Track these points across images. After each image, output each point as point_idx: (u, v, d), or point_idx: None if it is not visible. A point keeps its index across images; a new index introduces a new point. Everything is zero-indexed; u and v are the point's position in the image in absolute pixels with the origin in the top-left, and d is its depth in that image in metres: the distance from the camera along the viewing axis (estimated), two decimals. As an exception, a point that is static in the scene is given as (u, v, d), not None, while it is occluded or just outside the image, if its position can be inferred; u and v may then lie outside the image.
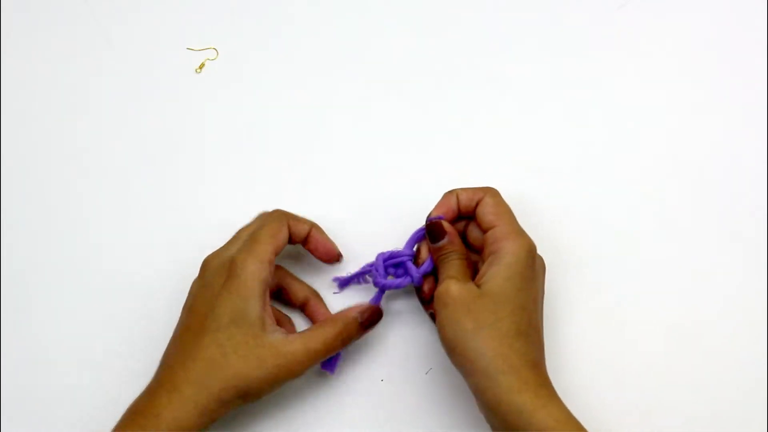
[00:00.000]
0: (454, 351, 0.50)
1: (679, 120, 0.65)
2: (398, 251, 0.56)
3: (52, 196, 0.64)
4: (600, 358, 0.58)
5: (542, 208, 0.62)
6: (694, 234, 0.61)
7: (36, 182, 0.64)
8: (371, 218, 0.59)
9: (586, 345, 0.58)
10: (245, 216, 0.61)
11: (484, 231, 0.53)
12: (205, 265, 0.54)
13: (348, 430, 0.57)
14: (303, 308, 0.57)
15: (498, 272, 0.50)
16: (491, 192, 0.54)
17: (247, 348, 0.50)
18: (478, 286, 0.51)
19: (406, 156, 0.64)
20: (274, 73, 0.67)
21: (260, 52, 0.68)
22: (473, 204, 0.54)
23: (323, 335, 0.52)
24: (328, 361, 0.55)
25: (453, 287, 0.50)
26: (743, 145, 0.64)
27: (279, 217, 0.54)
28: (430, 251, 0.55)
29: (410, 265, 0.55)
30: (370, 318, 0.54)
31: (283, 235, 0.53)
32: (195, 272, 0.60)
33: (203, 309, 0.51)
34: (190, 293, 0.54)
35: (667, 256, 0.61)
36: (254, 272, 0.51)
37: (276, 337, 0.50)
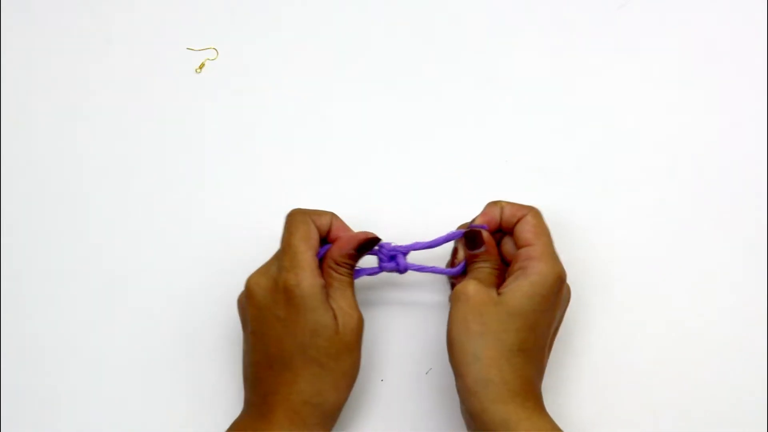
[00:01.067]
0: (453, 348, 0.51)
1: (679, 120, 0.65)
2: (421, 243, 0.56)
3: (51, 196, 0.64)
4: (599, 357, 0.58)
5: (541, 208, 0.62)
6: (695, 234, 0.61)
7: (35, 182, 0.64)
8: (372, 217, 0.59)
9: (586, 344, 0.58)
10: (245, 216, 0.62)
11: (519, 248, 0.54)
12: (253, 287, 0.53)
13: (348, 430, 0.57)
14: (328, 233, 0.56)
15: (520, 287, 0.51)
16: (534, 212, 0.54)
17: (336, 348, 0.51)
18: (498, 294, 0.51)
19: (407, 155, 0.64)
20: (274, 72, 0.67)
21: (260, 52, 0.68)
22: (514, 220, 0.54)
23: (346, 283, 0.53)
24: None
25: (471, 286, 0.51)
26: (743, 145, 0.64)
27: (302, 217, 0.53)
28: (466, 256, 0.55)
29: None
30: (365, 247, 0.54)
31: (314, 233, 0.53)
32: (195, 271, 0.61)
33: (276, 334, 0.51)
34: (249, 319, 0.53)
35: (668, 256, 0.61)
36: (311, 285, 0.51)
37: (343, 319, 0.51)
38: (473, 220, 0.55)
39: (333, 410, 0.52)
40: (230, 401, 0.57)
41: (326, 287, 0.52)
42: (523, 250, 0.53)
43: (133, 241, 0.62)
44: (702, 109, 0.65)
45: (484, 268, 0.53)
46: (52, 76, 0.67)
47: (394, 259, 0.55)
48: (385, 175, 0.64)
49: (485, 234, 0.54)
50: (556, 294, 0.51)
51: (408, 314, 0.58)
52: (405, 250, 0.55)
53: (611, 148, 0.64)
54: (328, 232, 0.55)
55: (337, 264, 0.53)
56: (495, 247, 0.54)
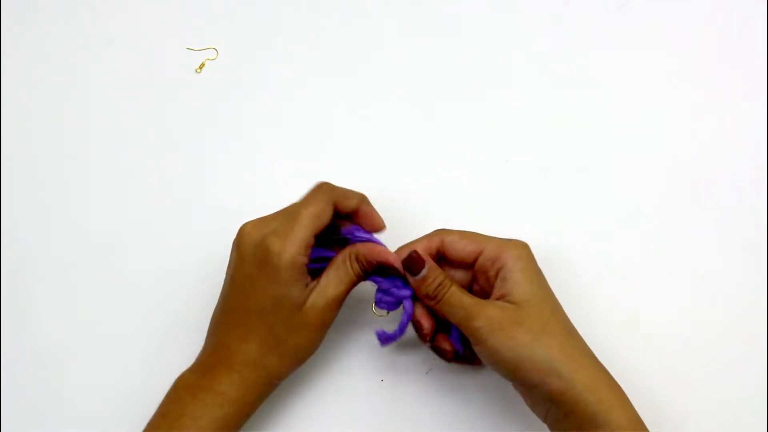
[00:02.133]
0: (518, 368, 0.49)
1: (679, 120, 0.65)
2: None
3: (50, 195, 0.64)
4: (598, 357, 0.58)
5: (541, 208, 0.62)
6: (695, 234, 0.61)
7: (35, 182, 0.64)
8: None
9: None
10: (245, 215, 0.61)
11: (468, 264, 0.53)
12: (243, 236, 0.52)
13: (348, 430, 0.57)
14: (354, 215, 0.55)
15: (519, 281, 0.50)
16: (443, 231, 0.53)
17: (294, 322, 0.51)
18: (502, 299, 0.51)
19: (407, 155, 0.64)
20: (274, 72, 0.67)
21: (260, 52, 0.68)
22: (432, 252, 0.53)
23: (348, 277, 0.52)
24: (387, 338, 0.54)
25: (491, 311, 0.50)
26: (743, 145, 0.64)
27: (323, 194, 0.53)
28: (415, 287, 0.53)
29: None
30: (408, 266, 0.52)
31: (327, 215, 0.52)
32: (194, 271, 0.61)
33: (245, 289, 0.52)
34: (232, 263, 0.53)
35: (667, 257, 0.61)
36: (290, 260, 0.50)
37: (312, 298, 0.51)
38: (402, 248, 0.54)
39: (272, 378, 0.52)
40: None
41: (328, 265, 0.52)
42: (480, 259, 0.52)
43: (133, 240, 0.62)
44: (702, 109, 0.65)
45: (454, 289, 0.51)
46: (52, 75, 0.67)
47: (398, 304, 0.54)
48: (385, 175, 0.64)
49: (422, 254, 0.52)
50: (536, 262, 0.52)
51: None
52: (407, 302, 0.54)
53: (611, 148, 0.64)
54: (356, 213, 0.54)
55: (357, 260, 0.53)
56: (432, 260, 0.53)
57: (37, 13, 0.69)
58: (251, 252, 0.51)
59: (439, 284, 0.52)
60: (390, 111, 0.66)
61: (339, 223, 0.54)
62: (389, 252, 0.53)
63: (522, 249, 0.52)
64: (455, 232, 0.53)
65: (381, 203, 0.60)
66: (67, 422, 0.58)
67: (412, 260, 0.52)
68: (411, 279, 0.52)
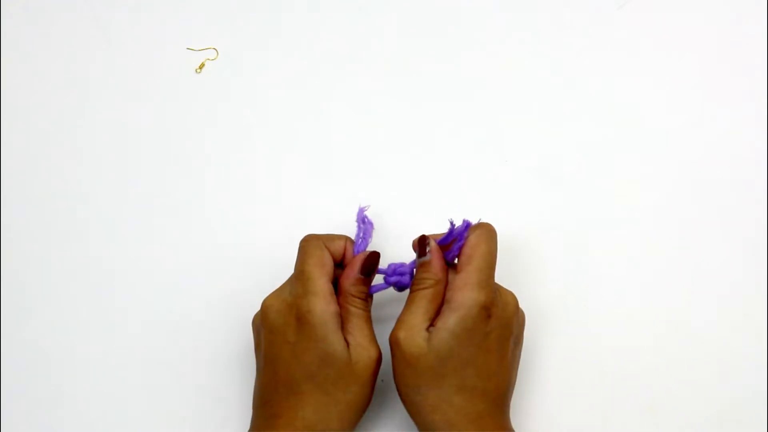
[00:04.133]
0: (404, 402, 0.52)
1: (679, 120, 0.65)
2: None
3: (51, 196, 0.64)
4: (597, 358, 0.58)
5: (540, 208, 0.62)
6: (694, 233, 0.61)
7: (35, 182, 0.64)
8: (373, 217, 0.59)
9: (585, 344, 0.58)
10: (245, 215, 0.61)
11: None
12: (268, 310, 0.52)
13: (348, 430, 0.57)
14: (343, 258, 0.55)
15: (446, 326, 0.50)
16: (479, 230, 0.52)
17: (346, 379, 0.51)
18: (430, 331, 0.50)
19: (407, 156, 0.64)
20: (274, 72, 0.67)
21: (260, 52, 0.68)
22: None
23: (361, 316, 0.52)
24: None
25: (401, 339, 0.50)
26: (743, 145, 0.64)
27: (316, 243, 0.53)
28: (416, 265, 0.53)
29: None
30: (366, 265, 0.53)
31: (329, 259, 0.53)
32: (194, 270, 0.61)
33: (287, 359, 0.51)
34: (262, 341, 0.53)
35: (668, 256, 0.61)
36: (323, 312, 0.50)
37: (357, 352, 0.51)
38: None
39: None
40: (239, 421, 0.57)
41: (342, 319, 0.52)
42: (454, 278, 0.51)
43: (132, 240, 0.62)
44: (702, 109, 0.65)
45: (426, 281, 0.51)
46: (52, 75, 0.67)
47: (400, 275, 0.54)
48: (385, 175, 0.64)
49: (432, 243, 0.52)
50: (484, 323, 0.50)
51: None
52: (410, 270, 0.54)
53: (611, 148, 0.64)
54: (343, 257, 0.54)
55: (351, 295, 0.52)
56: (440, 258, 0.52)
57: (37, 13, 0.69)
58: (281, 321, 0.51)
59: (423, 278, 0.52)
60: (390, 111, 0.66)
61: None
62: (357, 257, 0.53)
63: (474, 304, 0.50)
64: (472, 240, 0.52)
65: (380, 203, 0.60)
66: (64, 426, 0.58)
67: (420, 243, 0.53)
68: (417, 260, 0.53)
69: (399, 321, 0.51)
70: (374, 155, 0.64)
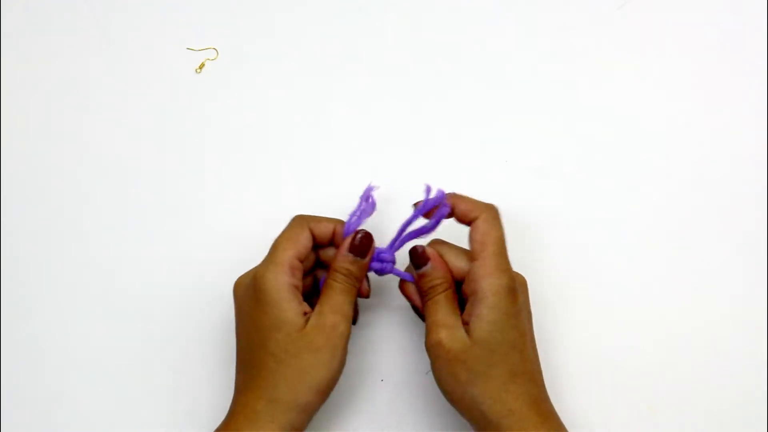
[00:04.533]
0: (453, 401, 0.51)
1: (678, 120, 0.65)
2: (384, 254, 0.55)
3: (51, 196, 0.64)
4: (597, 358, 0.58)
5: (540, 208, 0.62)
6: (694, 233, 0.61)
7: (35, 182, 0.64)
8: (372, 217, 0.59)
9: (585, 345, 0.58)
10: (245, 215, 0.61)
11: (470, 257, 0.52)
12: (235, 288, 0.53)
13: (348, 430, 0.57)
14: (334, 241, 0.55)
15: (482, 316, 0.49)
16: (486, 214, 0.52)
17: (296, 345, 0.50)
18: (466, 326, 0.50)
19: (408, 155, 0.64)
20: (274, 72, 0.67)
21: (260, 52, 0.68)
22: (468, 219, 0.53)
23: (337, 289, 0.52)
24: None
25: (444, 339, 0.50)
26: (743, 145, 0.64)
27: (298, 221, 0.54)
28: (416, 278, 0.53)
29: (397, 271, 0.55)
30: (360, 244, 0.53)
31: (304, 238, 0.53)
32: (193, 270, 0.61)
33: (247, 328, 0.52)
34: (235, 311, 0.54)
35: (668, 255, 0.61)
36: (276, 280, 0.50)
37: (313, 320, 0.50)
38: (420, 202, 0.54)
39: (289, 410, 0.50)
40: (227, 403, 0.57)
41: (321, 293, 0.52)
42: (471, 269, 0.51)
43: (132, 240, 0.62)
44: (702, 109, 0.65)
45: (439, 297, 0.52)
46: (52, 75, 0.67)
47: (381, 261, 0.54)
48: (385, 175, 0.63)
49: (428, 250, 0.53)
50: (514, 303, 0.50)
51: (408, 315, 0.58)
52: (392, 257, 0.54)
53: (611, 148, 0.64)
54: (333, 239, 0.54)
55: (335, 270, 0.52)
56: (440, 261, 0.53)
57: (37, 13, 0.69)
58: (245, 292, 0.52)
59: (432, 287, 0.52)
60: (390, 111, 0.66)
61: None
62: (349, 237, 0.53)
63: (499, 286, 0.50)
64: (481, 226, 0.52)
65: (380, 203, 0.60)
66: (64, 426, 0.58)
67: (415, 254, 0.53)
68: (414, 272, 0.53)
69: (431, 326, 0.51)
70: (374, 155, 0.64)
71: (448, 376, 0.50)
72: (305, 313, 0.51)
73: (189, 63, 0.67)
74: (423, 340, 0.58)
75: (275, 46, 0.68)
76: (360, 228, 0.54)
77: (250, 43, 0.68)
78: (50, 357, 0.59)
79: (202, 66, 0.67)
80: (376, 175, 0.63)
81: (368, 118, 0.65)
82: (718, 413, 0.56)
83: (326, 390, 0.51)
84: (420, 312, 0.54)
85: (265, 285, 0.50)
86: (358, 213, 0.54)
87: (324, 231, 0.54)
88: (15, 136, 0.65)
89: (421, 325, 0.58)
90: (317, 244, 0.54)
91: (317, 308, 0.51)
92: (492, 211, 0.53)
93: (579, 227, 0.62)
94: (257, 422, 0.49)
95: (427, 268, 0.52)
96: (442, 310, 0.51)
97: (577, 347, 0.58)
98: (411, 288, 0.54)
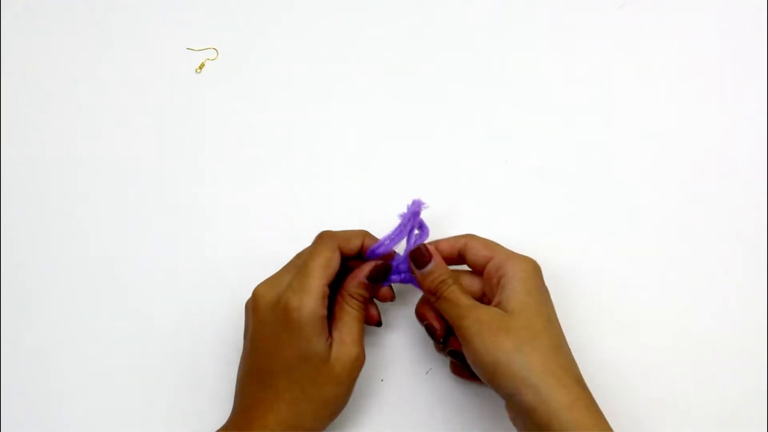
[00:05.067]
0: (496, 373, 0.49)
1: (678, 120, 0.65)
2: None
3: (51, 196, 0.64)
4: (597, 358, 0.58)
5: (540, 208, 0.62)
6: (694, 233, 0.61)
7: (35, 182, 0.64)
8: (372, 217, 0.59)
9: (585, 345, 0.58)
10: (245, 215, 0.61)
11: (481, 270, 0.53)
12: (258, 299, 0.53)
13: (348, 430, 0.57)
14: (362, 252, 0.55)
15: (516, 290, 0.51)
16: (472, 236, 0.55)
17: (322, 378, 0.51)
18: (498, 305, 0.51)
19: (407, 156, 0.64)
20: (274, 72, 0.67)
21: (260, 52, 0.68)
22: (455, 252, 0.54)
23: (353, 317, 0.53)
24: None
25: (483, 314, 0.50)
26: (743, 145, 0.64)
27: (329, 242, 0.53)
28: (419, 281, 0.53)
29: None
30: (376, 272, 0.53)
31: (335, 262, 0.53)
32: (193, 270, 0.61)
33: (268, 350, 0.52)
34: (250, 327, 0.53)
35: (668, 256, 0.61)
36: (311, 313, 0.50)
37: (335, 351, 0.51)
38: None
39: None
40: (228, 406, 0.57)
41: (334, 318, 0.53)
42: (489, 265, 0.53)
43: (133, 240, 0.62)
44: (702, 109, 0.65)
45: (453, 288, 0.52)
46: (52, 75, 0.67)
47: (400, 273, 0.55)
48: (385, 175, 0.64)
49: (429, 246, 0.53)
50: (543, 282, 0.52)
51: (408, 314, 0.58)
52: (407, 265, 0.54)
53: (611, 147, 0.64)
54: (363, 250, 0.54)
55: (350, 296, 0.53)
56: (442, 260, 0.53)
57: (37, 13, 0.69)
58: (269, 312, 0.52)
59: (441, 281, 0.52)
60: (389, 111, 0.66)
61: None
62: (366, 264, 0.54)
63: (527, 263, 0.52)
64: (480, 239, 0.54)
65: (380, 203, 0.60)
66: (64, 425, 0.58)
67: (419, 253, 0.53)
68: (417, 273, 0.53)
69: (463, 310, 0.51)
70: (374, 155, 0.64)
71: (492, 347, 0.49)
72: (327, 339, 0.51)
73: (189, 63, 0.67)
74: (423, 340, 0.58)
75: (275, 46, 0.68)
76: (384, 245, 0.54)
77: (250, 43, 0.68)
78: (50, 357, 0.59)
79: (202, 66, 0.67)
80: (376, 175, 0.64)
81: (368, 118, 0.65)
82: (718, 413, 0.56)
83: (337, 416, 0.53)
84: (435, 334, 0.54)
85: (300, 317, 0.50)
86: (393, 236, 0.54)
87: (353, 248, 0.54)
88: (15, 135, 0.65)
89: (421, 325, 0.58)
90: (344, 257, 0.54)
91: (337, 336, 0.52)
92: (475, 235, 0.55)
93: (578, 227, 0.61)
94: None
95: (431, 266, 0.53)
96: (462, 295, 0.52)
97: (576, 347, 0.58)
98: (430, 313, 0.54)
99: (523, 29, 0.68)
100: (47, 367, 0.59)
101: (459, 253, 0.54)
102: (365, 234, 0.55)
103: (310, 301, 0.50)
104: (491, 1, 0.69)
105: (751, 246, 0.61)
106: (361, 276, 0.53)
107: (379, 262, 0.54)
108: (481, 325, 0.50)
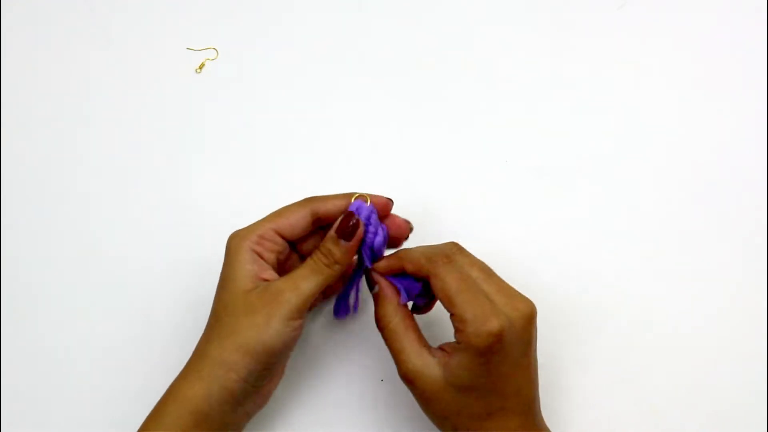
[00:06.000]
0: (438, 427, 0.50)
1: (678, 120, 0.65)
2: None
3: (51, 195, 0.64)
4: (597, 358, 0.58)
5: (540, 208, 0.62)
6: (694, 233, 0.61)
7: (35, 182, 0.64)
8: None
9: (586, 346, 0.58)
10: (244, 215, 0.61)
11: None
12: (228, 240, 0.53)
13: (348, 430, 0.57)
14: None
15: (459, 361, 0.47)
16: (436, 268, 0.49)
17: (235, 304, 0.49)
18: (443, 361, 0.48)
19: (407, 156, 0.64)
20: (274, 72, 0.67)
21: (260, 52, 0.68)
22: (423, 275, 0.50)
23: (309, 266, 0.50)
24: (340, 308, 0.55)
25: (416, 377, 0.48)
26: (743, 145, 0.64)
27: (302, 201, 0.53)
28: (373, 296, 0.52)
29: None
30: (342, 225, 0.50)
31: (295, 217, 0.52)
32: (193, 270, 0.61)
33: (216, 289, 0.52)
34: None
35: (668, 256, 0.61)
36: (237, 242, 0.51)
37: (264, 287, 0.50)
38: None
39: (214, 365, 0.48)
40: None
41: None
42: (451, 318, 0.48)
43: (132, 240, 0.62)
44: (702, 109, 0.65)
45: (397, 324, 0.50)
46: (52, 75, 0.67)
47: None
48: (385, 175, 0.64)
49: (374, 275, 0.52)
50: (497, 353, 0.47)
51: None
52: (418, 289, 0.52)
53: (611, 147, 0.64)
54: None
55: (317, 250, 0.51)
56: (390, 287, 0.51)
57: (37, 13, 0.69)
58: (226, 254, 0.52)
59: (386, 316, 0.50)
60: (389, 110, 0.66)
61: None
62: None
63: (483, 337, 0.46)
64: (444, 279, 0.48)
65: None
66: (64, 423, 0.58)
67: (367, 278, 0.52)
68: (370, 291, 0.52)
69: (398, 355, 0.49)
70: (374, 155, 0.64)
71: (423, 407, 0.50)
72: (264, 280, 0.50)
73: (189, 63, 0.67)
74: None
75: (275, 46, 0.68)
76: (368, 208, 0.52)
77: (250, 43, 0.68)
78: (50, 356, 0.59)
79: (202, 66, 0.67)
80: (376, 175, 0.64)
81: (368, 118, 0.66)
82: (718, 413, 0.56)
83: (255, 353, 0.48)
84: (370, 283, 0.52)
85: (228, 244, 0.51)
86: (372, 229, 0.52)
87: (331, 209, 0.52)
88: (15, 135, 0.65)
89: (421, 326, 0.58)
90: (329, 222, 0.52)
91: (280, 278, 0.50)
92: (442, 260, 0.49)
93: (578, 227, 0.61)
94: (187, 376, 0.49)
95: (375, 290, 0.52)
96: (404, 339, 0.49)
97: (576, 347, 0.58)
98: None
99: (524, 29, 0.68)
100: (47, 366, 0.59)
101: (425, 276, 0.50)
102: (350, 196, 0.52)
103: (245, 233, 0.51)
104: (491, 1, 0.69)
105: (751, 246, 0.61)
106: (331, 230, 0.51)
107: (350, 216, 0.51)
108: (413, 386, 0.49)
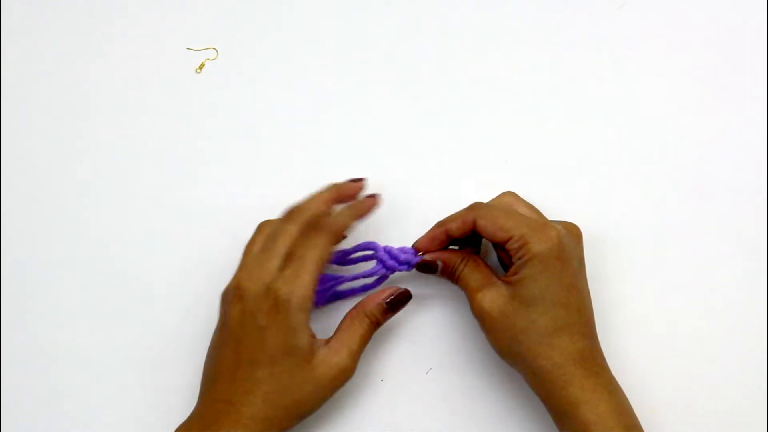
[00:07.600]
0: (504, 357, 0.53)
1: (678, 120, 0.65)
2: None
3: (51, 195, 0.64)
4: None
5: (540, 208, 0.62)
6: (694, 233, 0.61)
7: (35, 182, 0.64)
8: (371, 218, 0.59)
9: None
10: (244, 215, 0.61)
11: (503, 245, 0.53)
12: (243, 288, 0.52)
13: (347, 430, 0.57)
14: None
15: (525, 274, 0.51)
16: (478, 211, 0.54)
17: (303, 375, 0.51)
18: (510, 283, 0.51)
19: (407, 156, 0.64)
20: (274, 72, 0.67)
21: (260, 52, 0.68)
22: (468, 227, 0.54)
23: (358, 333, 0.53)
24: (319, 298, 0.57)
25: (485, 303, 0.52)
26: (743, 145, 0.64)
27: (326, 234, 0.53)
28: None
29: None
30: (397, 299, 0.54)
31: (329, 256, 0.53)
32: (193, 270, 0.61)
33: (251, 341, 0.51)
34: (230, 317, 0.52)
35: (668, 256, 0.61)
36: (300, 306, 0.50)
37: (323, 353, 0.51)
38: (415, 243, 0.56)
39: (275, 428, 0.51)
40: None
41: (340, 327, 0.53)
42: (509, 246, 0.52)
43: (132, 240, 0.62)
44: (702, 109, 0.65)
45: (464, 272, 0.54)
46: (52, 75, 0.67)
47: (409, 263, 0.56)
48: (385, 175, 0.63)
49: (428, 257, 0.55)
50: (559, 259, 0.51)
51: (408, 314, 0.58)
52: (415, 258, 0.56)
53: (611, 147, 0.64)
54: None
55: (365, 315, 0.53)
56: (450, 253, 0.55)
57: (37, 13, 0.69)
58: (256, 302, 0.51)
59: (454, 267, 0.55)
60: (389, 110, 0.66)
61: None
62: (386, 289, 0.55)
63: (544, 244, 0.51)
64: (488, 214, 0.53)
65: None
66: (65, 423, 0.58)
67: (426, 268, 0.56)
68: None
69: (469, 294, 0.53)
70: (374, 155, 0.64)
71: (494, 334, 0.52)
72: (312, 335, 0.51)
73: (189, 63, 0.67)
74: (423, 340, 0.58)
75: (275, 46, 0.68)
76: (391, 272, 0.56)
77: (250, 43, 0.68)
78: (50, 356, 0.59)
79: (202, 66, 0.67)
80: (376, 175, 0.63)
81: (368, 118, 0.65)
82: (718, 413, 0.56)
83: (305, 418, 0.52)
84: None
85: (290, 308, 0.50)
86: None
87: (342, 235, 0.56)
88: (15, 135, 0.65)
89: (422, 325, 0.58)
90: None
91: (335, 343, 0.52)
92: (479, 205, 0.55)
93: (578, 227, 0.61)
94: (248, 430, 0.49)
95: (440, 271, 0.55)
96: (472, 277, 0.54)
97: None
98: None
99: (524, 29, 0.68)
100: (47, 366, 0.59)
101: (471, 226, 0.54)
102: (353, 206, 0.55)
103: (300, 293, 0.50)
104: (491, 1, 0.69)
105: (751, 246, 0.61)
106: (380, 298, 0.54)
107: (401, 288, 0.55)
108: (483, 314, 0.52)
